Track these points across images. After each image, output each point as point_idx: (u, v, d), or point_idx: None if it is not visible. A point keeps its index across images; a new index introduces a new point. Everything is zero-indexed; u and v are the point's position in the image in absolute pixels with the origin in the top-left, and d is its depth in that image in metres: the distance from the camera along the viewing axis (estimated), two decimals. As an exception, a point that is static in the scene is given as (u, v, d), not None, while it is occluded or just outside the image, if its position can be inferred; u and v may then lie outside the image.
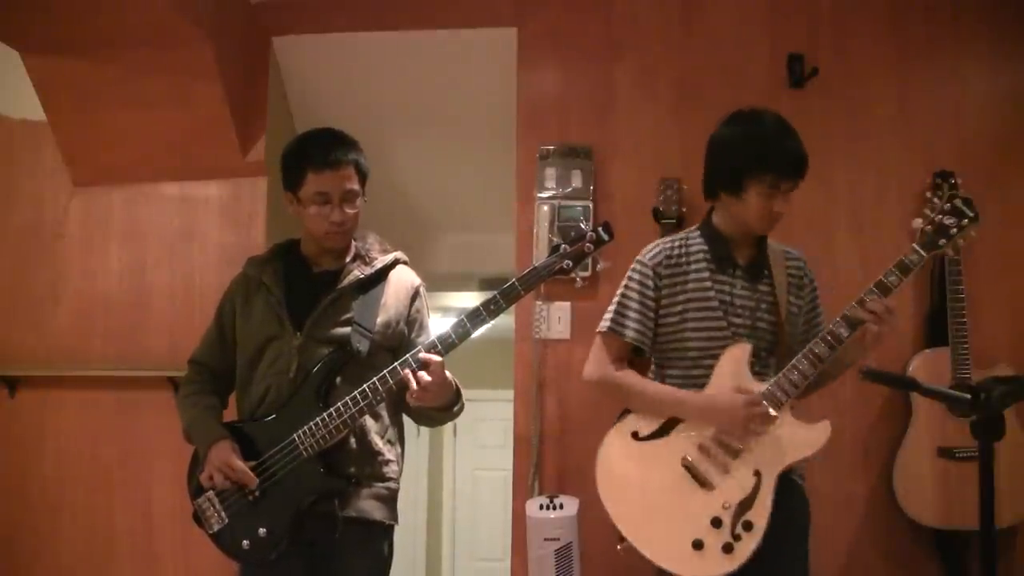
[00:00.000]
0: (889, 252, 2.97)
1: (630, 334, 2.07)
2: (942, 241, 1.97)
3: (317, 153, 2.04)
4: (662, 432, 2.00)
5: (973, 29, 3.07)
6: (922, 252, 1.96)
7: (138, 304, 3.35)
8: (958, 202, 1.98)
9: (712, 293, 2.04)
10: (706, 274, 2.05)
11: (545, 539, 2.76)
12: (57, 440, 3.34)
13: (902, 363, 2.86)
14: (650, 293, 2.07)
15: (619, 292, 2.11)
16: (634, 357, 2.15)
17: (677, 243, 2.10)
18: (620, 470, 2.02)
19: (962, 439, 2.70)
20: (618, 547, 1.95)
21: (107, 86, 3.17)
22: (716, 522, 1.90)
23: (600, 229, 1.95)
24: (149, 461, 3.24)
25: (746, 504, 1.91)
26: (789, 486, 1.99)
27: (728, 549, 1.88)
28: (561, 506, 2.81)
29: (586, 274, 2.97)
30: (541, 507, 2.82)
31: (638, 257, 2.11)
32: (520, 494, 3.03)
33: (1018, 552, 2.83)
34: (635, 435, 2.02)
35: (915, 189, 2.99)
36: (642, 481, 1.99)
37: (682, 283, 2.06)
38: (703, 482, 1.94)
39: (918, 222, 2.01)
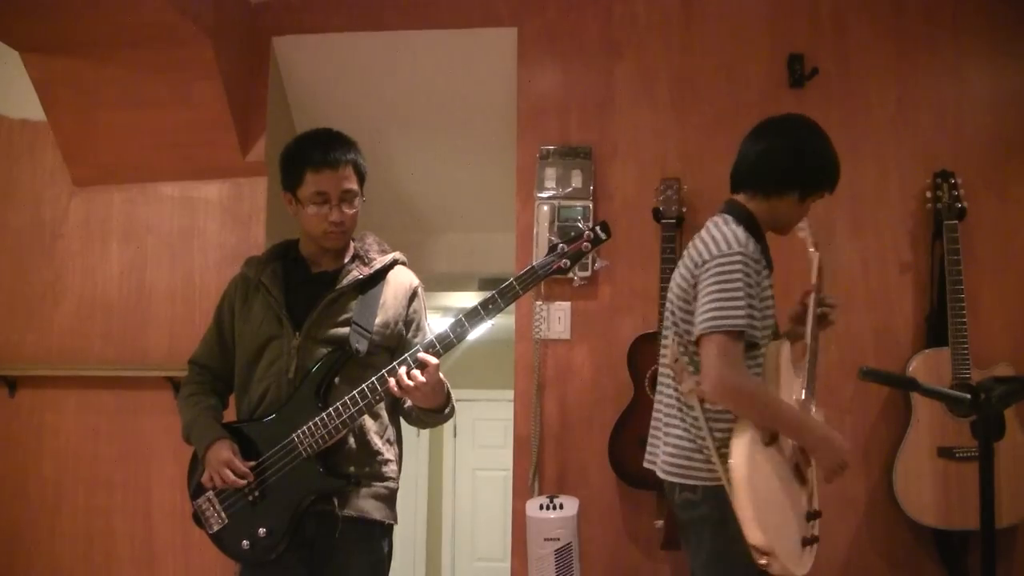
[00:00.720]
0: (889, 252, 3.01)
1: (759, 334, 1.92)
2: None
3: (315, 153, 2.04)
4: (776, 436, 1.93)
5: (973, 29, 3.06)
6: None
7: (138, 304, 3.35)
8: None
9: (771, 292, 2.02)
10: (766, 271, 2.01)
11: (545, 539, 2.76)
12: (57, 440, 3.34)
13: (902, 363, 2.86)
14: (754, 283, 1.93)
15: (734, 286, 1.88)
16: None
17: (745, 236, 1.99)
18: (763, 484, 1.86)
19: (962, 439, 2.70)
20: (762, 562, 1.85)
21: (107, 86, 3.17)
22: (809, 515, 1.94)
23: (598, 228, 1.95)
24: (149, 461, 3.24)
25: (813, 495, 1.96)
26: None
27: (813, 541, 1.92)
28: (561, 506, 2.81)
29: (586, 274, 2.99)
30: (541, 507, 2.82)
31: (738, 248, 1.91)
32: (520, 494, 3.03)
33: (1018, 552, 2.83)
34: (763, 441, 1.89)
35: (915, 189, 2.99)
36: (776, 490, 1.90)
37: (763, 276, 1.99)
38: (803, 480, 1.95)
39: (804, 230, 2.14)
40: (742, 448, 1.84)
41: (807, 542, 1.91)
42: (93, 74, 3.13)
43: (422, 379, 1.90)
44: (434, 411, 2.03)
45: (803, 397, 1.98)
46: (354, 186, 2.07)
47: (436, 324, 2.14)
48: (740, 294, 1.87)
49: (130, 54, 3.06)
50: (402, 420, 2.17)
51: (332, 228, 2.05)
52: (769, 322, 1.99)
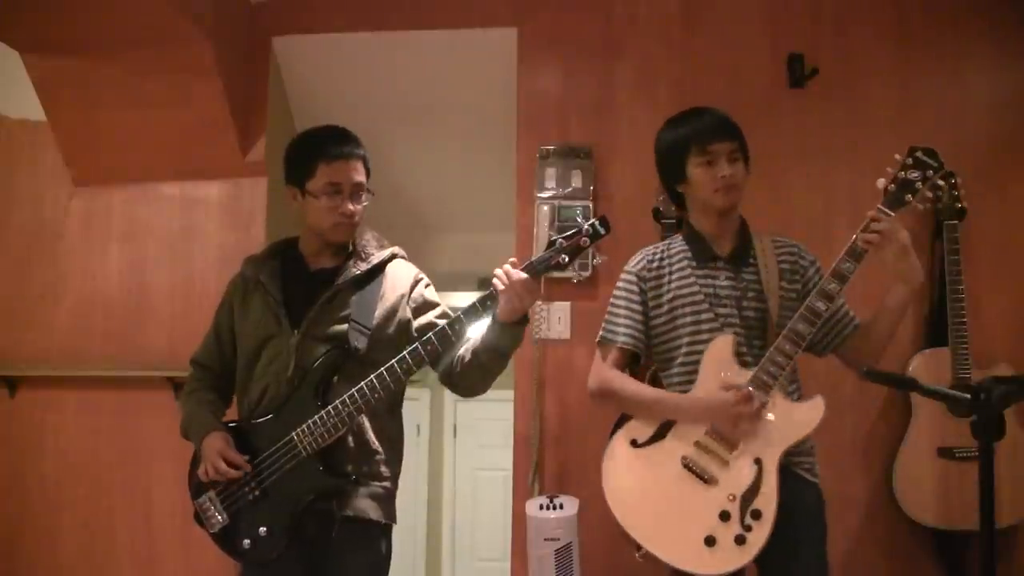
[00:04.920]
0: (889, 252, 3.01)
1: (620, 339, 2.11)
2: (908, 197, 1.93)
3: (328, 145, 2.06)
4: (659, 435, 2.01)
5: (973, 29, 3.07)
6: (887, 211, 1.92)
7: (138, 304, 3.36)
8: (919, 154, 1.94)
9: (696, 287, 2.08)
10: (688, 270, 2.10)
11: (545, 539, 2.76)
12: (57, 440, 3.34)
13: (902, 363, 2.86)
14: (636, 298, 2.13)
15: (610, 303, 2.17)
16: (634, 366, 2.18)
17: (660, 248, 2.18)
18: (625, 480, 2.01)
19: (962, 439, 2.70)
20: (636, 555, 1.96)
21: (107, 86, 3.17)
22: (724, 515, 1.90)
23: (596, 222, 1.92)
24: (149, 461, 3.24)
25: (751, 493, 1.91)
26: (794, 481, 1.98)
27: (740, 541, 1.88)
28: (561, 506, 2.81)
29: (586, 273, 2.99)
30: (541, 507, 2.81)
31: (624, 267, 2.18)
32: (520, 494, 3.03)
33: (1018, 552, 2.83)
34: (633, 443, 2.02)
35: (915, 189, 2.99)
36: (647, 487, 1.99)
37: (666, 283, 2.12)
38: (705, 478, 1.94)
39: (881, 182, 1.97)
40: (607, 449, 2.04)
41: (710, 541, 1.88)
42: (93, 74, 3.13)
43: (525, 275, 1.87)
44: (518, 323, 1.96)
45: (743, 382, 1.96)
46: (364, 180, 2.09)
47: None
48: (607, 311, 2.17)
49: (130, 54, 3.06)
50: (404, 419, 2.16)
51: (343, 220, 2.05)
52: (690, 318, 2.06)
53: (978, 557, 1.68)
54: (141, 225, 3.40)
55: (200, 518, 2.04)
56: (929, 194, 1.97)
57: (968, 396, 1.70)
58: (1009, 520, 2.65)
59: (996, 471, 1.65)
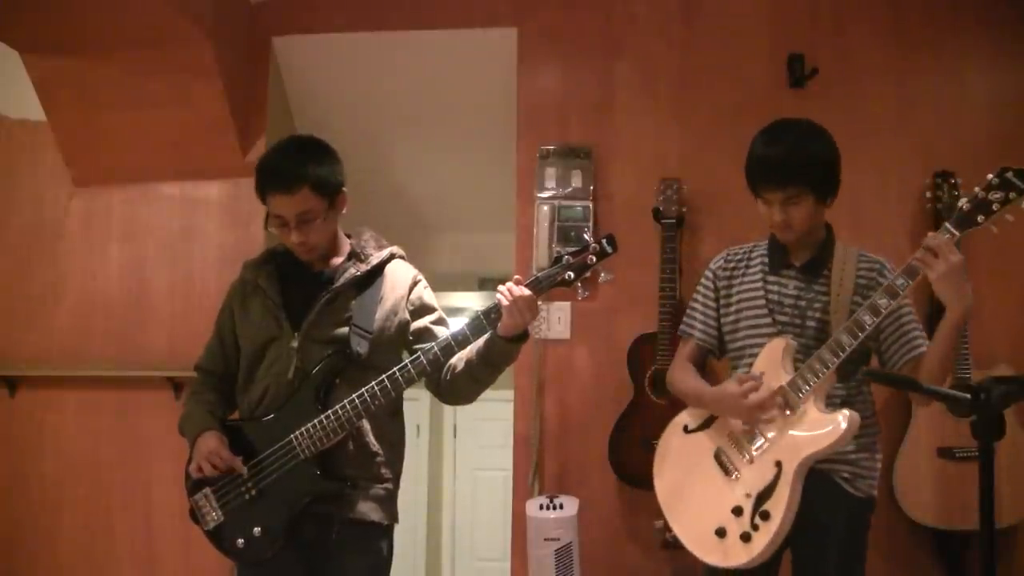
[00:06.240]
0: (889, 252, 2.98)
1: (697, 335, 2.19)
2: (980, 217, 1.84)
3: (271, 177, 2.00)
4: (705, 424, 2.08)
5: (973, 29, 3.07)
6: (953, 230, 1.85)
7: (138, 304, 3.36)
8: (1009, 174, 1.82)
9: (761, 293, 2.10)
10: (759, 275, 2.12)
11: (545, 539, 2.76)
12: (57, 440, 3.34)
13: (902, 363, 2.85)
14: (711, 295, 2.19)
15: (692, 295, 2.24)
16: (710, 357, 2.24)
17: (744, 249, 2.20)
18: (667, 461, 2.13)
19: (962, 439, 2.70)
20: (667, 536, 2.12)
21: (107, 86, 3.17)
22: (737, 511, 1.93)
23: (604, 241, 1.91)
24: (149, 461, 3.24)
25: (765, 494, 1.91)
26: (829, 487, 1.98)
27: (746, 539, 1.89)
28: (561, 506, 2.81)
29: (587, 276, 2.98)
30: (541, 507, 2.82)
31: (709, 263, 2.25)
32: (520, 494, 3.03)
33: (1018, 552, 2.83)
34: (685, 428, 2.12)
35: (915, 189, 2.99)
36: (683, 471, 2.08)
37: (737, 285, 2.15)
38: (729, 471, 1.98)
39: (963, 201, 1.90)
40: (667, 427, 2.16)
41: (721, 532, 1.92)
42: (93, 74, 3.14)
43: (528, 292, 1.88)
44: (518, 339, 1.95)
45: (784, 383, 1.95)
46: (312, 206, 2.00)
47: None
48: (689, 304, 2.24)
49: (130, 54, 3.06)
50: (404, 419, 2.16)
51: (295, 248, 2.04)
52: (751, 322, 2.09)
53: (978, 557, 1.67)
54: (141, 225, 3.40)
55: (195, 515, 2.04)
56: (1010, 217, 1.84)
57: (968, 396, 1.70)
58: (1009, 520, 2.65)
59: (996, 471, 1.65)
